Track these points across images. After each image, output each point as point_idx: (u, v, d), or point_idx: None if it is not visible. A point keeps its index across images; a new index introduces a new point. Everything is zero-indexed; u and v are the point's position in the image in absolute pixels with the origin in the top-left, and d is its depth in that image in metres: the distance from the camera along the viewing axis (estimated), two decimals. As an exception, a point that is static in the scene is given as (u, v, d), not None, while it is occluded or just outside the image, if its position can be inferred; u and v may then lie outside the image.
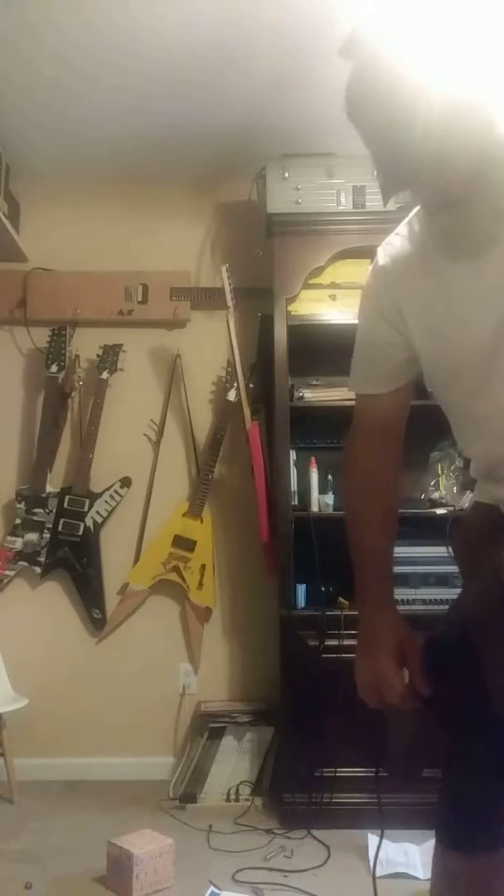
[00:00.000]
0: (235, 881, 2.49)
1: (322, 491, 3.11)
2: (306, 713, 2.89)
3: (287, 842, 2.77)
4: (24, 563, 3.36)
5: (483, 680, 1.19)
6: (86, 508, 3.37)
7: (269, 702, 3.23)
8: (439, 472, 3.14)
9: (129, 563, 3.43)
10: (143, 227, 3.54)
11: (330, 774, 2.85)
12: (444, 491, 3.11)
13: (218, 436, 3.35)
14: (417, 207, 1.26)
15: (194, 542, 3.35)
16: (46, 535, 3.36)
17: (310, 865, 2.59)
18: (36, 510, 3.36)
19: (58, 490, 3.39)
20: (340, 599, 2.92)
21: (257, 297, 3.33)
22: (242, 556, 3.43)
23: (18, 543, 3.36)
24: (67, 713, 3.38)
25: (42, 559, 3.36)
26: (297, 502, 3.10)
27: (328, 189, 3.04)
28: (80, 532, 3.37)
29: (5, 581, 3.37)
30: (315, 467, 3.10)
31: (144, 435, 3.50)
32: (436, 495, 3.11)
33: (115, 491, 3.42)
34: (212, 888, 2.42)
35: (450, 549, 1.43)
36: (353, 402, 1.44)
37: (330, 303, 3.10)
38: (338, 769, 2.84)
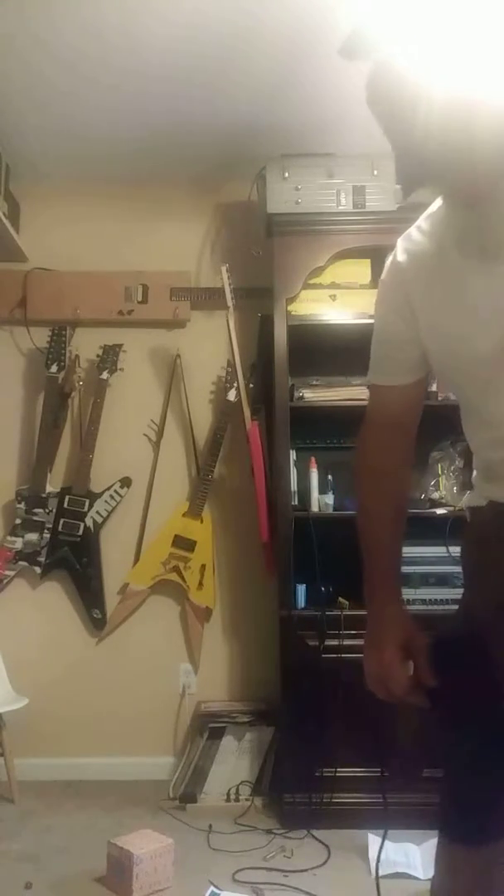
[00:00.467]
0: (235, 881, 2.49)
1: (322, 491, 3.10)
2: (306, 713, 2.89)
3: (287, 842, 2.77)
4: (24, 563, 3.36)
5: (488, 676, 1.20)
6: (86, 508, 3.37)
7: (269, 702, 3.23)
8: (439, 472, 3.14)
9: (129, 563, 3.43)
10: (143, 228, 3.54)
11: (330, 774, 2.85)
12: (444, 491, 3.11)
13: (218, 436, 3.35)
14: (439, 201, 1.25)
15: (194, 542, 3.35)
16: (46, 535, 3.36)
17: (310, 865, 2.59)
18: (36, 510, 3.36)
19: (58, 490, 3.39)
20: (340, 599, 2.92)
21: (257, 297, 3.33)
22: (242, 556, 3.43)
23: (18, 543, 3.36)
24: (67, 713, 3.38)
25: (42, 559, 3.37)
26: (297, 502, 3.10)
27: (328, 189, 3.04)
28: (80, 532, 3.37)
29: (5, 581, 3.37)
30: (315, 467, 3.09)
31: (144, 435, 3.50)
32: (436, 495, 3.11)
33: (115, 491, 3.42)
34: (212, 888, 2.41)
35: (458, 548, 1.43)
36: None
37: (330, 303, 3.10)
38: (338, 769, 2.84)
